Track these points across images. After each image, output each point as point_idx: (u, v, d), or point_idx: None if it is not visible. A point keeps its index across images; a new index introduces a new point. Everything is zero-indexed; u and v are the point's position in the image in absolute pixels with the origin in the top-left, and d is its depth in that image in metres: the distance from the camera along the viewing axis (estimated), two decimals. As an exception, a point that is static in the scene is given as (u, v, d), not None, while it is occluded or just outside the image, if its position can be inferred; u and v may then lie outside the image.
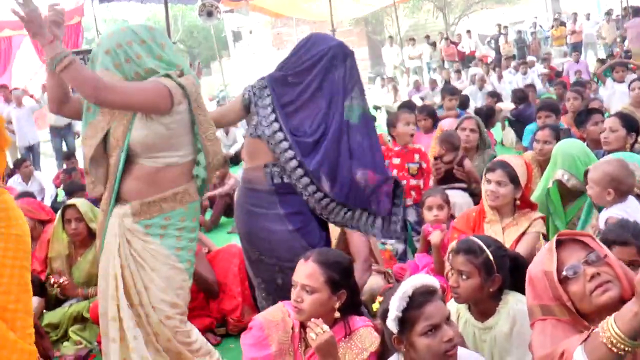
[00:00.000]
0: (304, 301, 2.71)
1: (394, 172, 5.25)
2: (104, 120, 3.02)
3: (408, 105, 8.99)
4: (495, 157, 5.29)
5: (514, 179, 3.70)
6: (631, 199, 3.48)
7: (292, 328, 2.84)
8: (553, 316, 2.15)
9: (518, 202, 3.71)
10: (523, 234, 3.62)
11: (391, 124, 5.49)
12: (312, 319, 2.62)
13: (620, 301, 1.99)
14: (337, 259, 2.83)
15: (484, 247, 2.76)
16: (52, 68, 2.73)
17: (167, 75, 2.94)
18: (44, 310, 4.56)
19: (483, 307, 2.77)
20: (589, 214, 3.75)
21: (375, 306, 2.38)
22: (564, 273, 2.11)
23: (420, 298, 2.29)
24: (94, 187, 3.15)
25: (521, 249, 3.45)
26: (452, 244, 3.65)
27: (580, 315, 2.10)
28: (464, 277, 2.71)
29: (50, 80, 3.00)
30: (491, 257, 2.72)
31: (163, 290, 3.05)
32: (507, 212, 3.73)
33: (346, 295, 2.77)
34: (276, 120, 3.31)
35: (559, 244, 2.18)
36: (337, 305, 2.75)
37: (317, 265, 2.73)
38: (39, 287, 4.49)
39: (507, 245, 3.46)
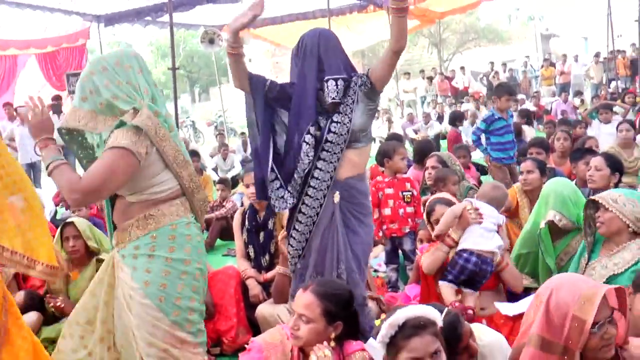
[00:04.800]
0: (300, 329, 2.80)
1: (390, 202, 5.40)
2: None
3: (398, 138, 9.18)
4: (471, 188, 5.53)
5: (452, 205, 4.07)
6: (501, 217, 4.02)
7: (291, 351, 2.90)
8: (548, 353, 2.27)
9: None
10: None
11: (386, 155, 5.62)
12: (317, 345, 2.71)
13: None
14: (335, 290, 2.89)
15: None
16: (45, 167, 2.91)
17: (121, 123, 2.88)
18: (42, 326, 4.60)
19: None
20: (581, 254, 3.85)
21: (377, 322, 2.47)
22: (594, 330, 2.25)
23: (409, 330, 2.36)
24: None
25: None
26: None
27: None
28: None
29: None
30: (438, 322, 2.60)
31: (137, 328, 2.96)
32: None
33: (343, 326, 2.84)
34: None
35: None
36: (332, 335, 2.82)
37: (314, 296, 2.82)
38: (38, 302, 4.56)
39: None
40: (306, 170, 3.42)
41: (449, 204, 4.05)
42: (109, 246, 3.25)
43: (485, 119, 7.49)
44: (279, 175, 3.49)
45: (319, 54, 3.43)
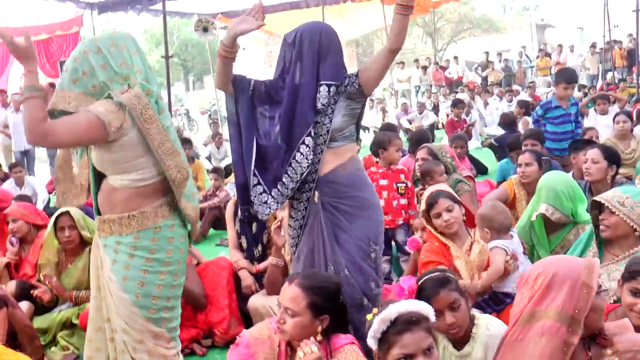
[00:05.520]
0: (286, 323, 2.77)
1: (384, 193, 5.37)
2: None
3: (392, 128, 9.15)
4: (460, 181, 5.51)
5: (454, 198, 3.99)
6: (515, 237, 3.85)
7: (279, 345, 2.88)
8: (561, 323, 2.28)
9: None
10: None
11: (381, 146, 5.59)
12: (304, 340, 2.67)
13: None
14: (321, 283, 2.84)
15: (445, 274, 2.91)
16: (22, 95, 2.80)
17: (109, 96, 2.85)
18: (34, 316, 4.58)
19: (463, 333, 2.81)
20: (587, 245, 3.71)
21: (369, 317, 2.44)
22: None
23: (401, 325, 2.33)
24: (64, 198, 3.18)
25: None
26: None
27: None
28: (455, 308, 2.78)
29: None
30: (454, 277, 2.87)
31: (114, 314, 2.96)
32: (462, 232, 3.94)
33: (330, 319, 2.81)
34: None
35: None
36: (319, 329, 2.79)
37: (299, 289, 2.77)
38: (30, 292, 4.53)
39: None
40: (305, 174, 3.31)
41: (451, 197, 3.97)
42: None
43: (542, 105, 7.27)
44: (261, 180, 3.38)
45: (318, 53, 3.31)
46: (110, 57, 2.89)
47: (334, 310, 2.83)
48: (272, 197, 3.36)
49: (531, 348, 2.27)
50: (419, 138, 7.33)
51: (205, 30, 13.37)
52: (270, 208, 3.37)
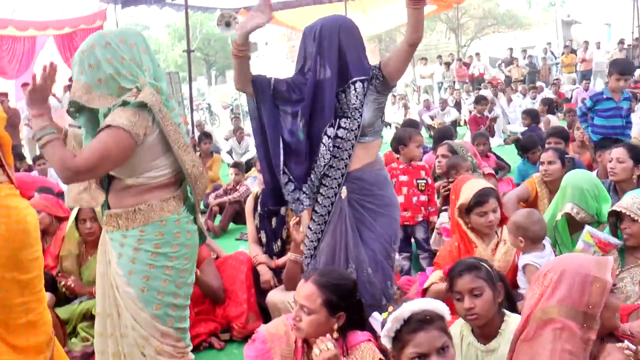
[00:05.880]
0: (302, 321, 2.76)
1: (404, 190, 5.34)
2: None
3: (414, 124, 9.11)
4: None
5: (499, 199, 3.91)
6: (547, 248, 3.74)
7: (295, 342, 2.87)
8: (571, 320, 2.23)
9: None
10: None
11: (402, 142, 5.56)
12: (320, 337, 2.66)
13: None
14: (337, 280, 2.82)
15: (480, 262, 2.86)
16: (36, 141, 2.82)
17: (124, 103, 2.79)
18: (55, 306, 4.62)
19: (488, 327, 2.77)
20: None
21: (385, 315, 2.42)
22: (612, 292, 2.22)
23: (414, 324, 2.31)
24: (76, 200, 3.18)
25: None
26: (436, 276, 3.75)
27: None
28: (476, 293, 2.73)
29: None
30: (489, 268, 2.81)
31: (123, 310, 2.94)
32: (492, 232, 3.89)
33: (346, 317, 2.80)
34: None
35: None
36: (335, 326, 2.78)
37: (315, 286, 2.76)
38: (51, 283, 4.57)
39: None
40: (322, 172, 3.31)
41: (498, 198, 3.90)
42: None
43: (592, 96, 6.87)
44: (291, 177, 3.37)
45: (339, 49, 3.27)
46: (118, 52, 2.85)
47: (350, 307, 2.82)
48: (304, 192, 3.37)
49: (548, 347, 2.24)
50: (443, 135, 7.29)
51: (228, 25, 13.36)
52: (303, 204, 3.39)
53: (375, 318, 2.52)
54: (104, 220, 3.02)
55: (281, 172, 3.35)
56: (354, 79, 3.27)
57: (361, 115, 3.28)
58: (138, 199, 2.91)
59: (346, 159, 3.31)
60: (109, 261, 2.98)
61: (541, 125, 10.62)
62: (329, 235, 3.38)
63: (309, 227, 3.50)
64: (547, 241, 3.80)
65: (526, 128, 10.29)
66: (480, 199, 3.80)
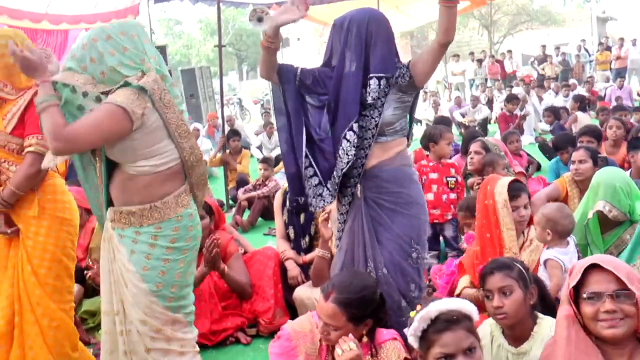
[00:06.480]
0: (330, 334, 2.73)
1: (433, 187, 5.30)
2: None
3: (446, 122, 9.03)
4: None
5: (530, 198, 3.86)
6: (571, 245, 3.69)
7: (320, 340, 2.86)
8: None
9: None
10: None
11: (432, 139, 5.52)
12: (343, 337, 2.65)
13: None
14: (358, 294, 2.75)
15: (513, 261, 2.80)
16: (37, 105, 2.78)
17: (125, 84, 2.80)
18: (83, 298, 4.68)
19: (520, 329, 2.72)
20: (638, 244, 3.66)
21: (413, 314, 2.41)
22: (585, 295, 2.17)
23: (441, 324, 2.29)
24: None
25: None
26: (465, 280, 3.70)
27: None
28: (506, 293, 2.67)
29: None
30: (523, 269, 2.76)
31: (131, 305, 2.93)
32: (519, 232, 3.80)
33: (372, 321, 2.78)
34: None
35: (595, 266, 2.20)
36: (364, 331, 2.77)
37: (337, 306, 2.70)
38: (79, 275, 4.62)
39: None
40: (344, 170, 3.21)
41: (529, 195, 3.86)
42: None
43: None
44: (317, 171, 3.29)
45: (366, 42, 3.18)
46: (120, 43, 2.86)
47: (375, 311, 2.80)
48: (327, 189, 3.28)
49: None
50: (471, 137, 7.20)
51: (260, 20, 13.27)
52: (324, 200, 3.31)
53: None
54: (110, 216, 2.99)
55: (303, 165, 3.28)
56: (371, 75, 3.17)
57: (380, 114, 3.18)
58: (150, 193, 2.90)
59: (363, 157, 3.22)
60: (113, 257, 2.97)
61: (568, 124, 10.49)
62: (347, 233, 3.34)
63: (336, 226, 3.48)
64: (571, 238, 3.74)
65: (549, 125, 10.18)
66: (515, 193, 3.74)
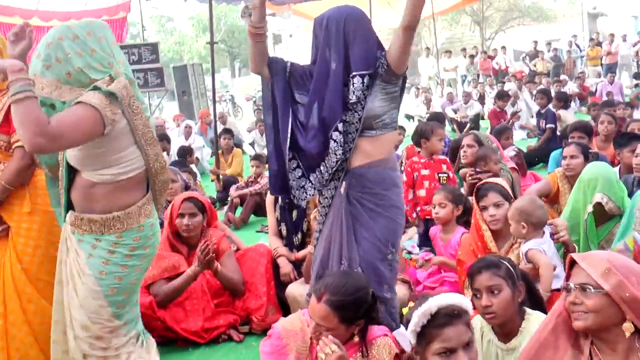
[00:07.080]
0: (322, 334, 2.71)
1: (425, 183, 5.30)
2: None
3: (439, 118, 9.02)
4: (501, 169, 5.39)
5: (507, 195, 3.88)
6: (546, 235, 3.70)
7: (311, 338, 2.85)
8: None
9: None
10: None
11: (424, 136, 5.51)
12: (322, 338, 2.63)
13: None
14: (351, 296, 2.73)
15: (500, 259, 2.82)
16: (10, 94, 2.55)
17: (95, 88, 2.72)
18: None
19: (509, 326, 2.73)
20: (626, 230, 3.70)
21: (405, 310, 2.41)
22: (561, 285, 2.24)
23: (442, 319, 2.29)
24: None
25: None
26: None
27: None
28: (495, 292, 2.68)
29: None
30: (510, 266, 2.77)
31: (76, 308, 2.88)
32: (506, 232, 3.81)
33: (364, 320, 2.78)
34: None
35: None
36: (356, 331, 2.77)
37: (329, 308, 2.69)
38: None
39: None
40: (334, 168, 3.21)
41: (503, 193, 3.87)
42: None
43: None
44: (300, 164, 3.29)
45: (345, 40, 3.15)
46: (87, 45, 2.79)
47: (367, 312, 2.80)
48: (310, 182, 3.29)
49: None
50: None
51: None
52: (307, 193, 3.32)
53: (401, 333, 2.48)
54: (70, 220, 2.94)
55: (287, 156, 3.26)
56: (354, 74, 3.14)
57: (363, 108, 3.16)
58: (113, 202, 2.86)
59: (347, 151, 3.20)
60: (64, 260, 2.94)
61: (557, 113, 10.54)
62: (327, 228, 3.32)
63: (316, 219, 3.46)
64: (546, 229, 3.75)
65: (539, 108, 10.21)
66: (481, 192, 3.85)
